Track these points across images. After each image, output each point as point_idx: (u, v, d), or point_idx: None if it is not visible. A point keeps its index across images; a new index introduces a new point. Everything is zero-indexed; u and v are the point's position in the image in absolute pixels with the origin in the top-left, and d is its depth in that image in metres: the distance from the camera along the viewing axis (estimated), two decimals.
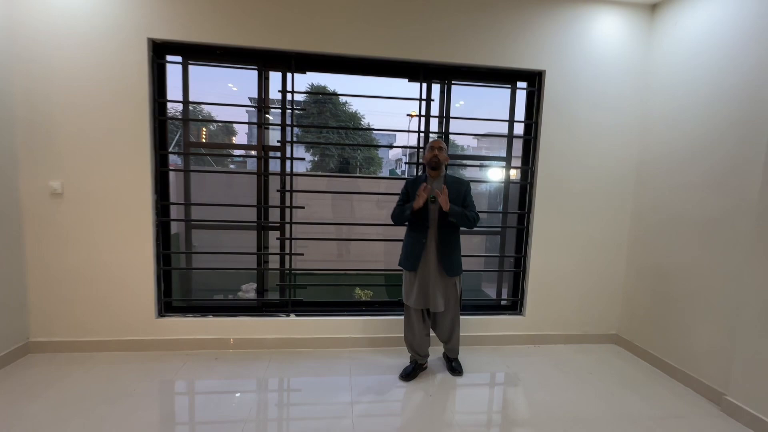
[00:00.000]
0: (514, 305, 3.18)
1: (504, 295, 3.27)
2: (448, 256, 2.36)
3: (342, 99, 11.69)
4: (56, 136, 2.50)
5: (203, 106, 4.51)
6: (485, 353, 2.92)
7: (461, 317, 2.61)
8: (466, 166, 3.36)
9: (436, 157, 2.35)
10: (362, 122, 10.38)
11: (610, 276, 3.12)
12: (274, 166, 2.87)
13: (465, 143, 3.78)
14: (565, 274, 3.07)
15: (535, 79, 2.95)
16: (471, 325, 3.00)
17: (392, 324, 2.92)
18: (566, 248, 3.04)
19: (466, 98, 3.17)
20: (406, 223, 2.45)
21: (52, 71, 2.45)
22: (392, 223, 2.45)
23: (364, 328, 2.91)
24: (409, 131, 2.99)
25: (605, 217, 3.05)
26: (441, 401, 2.29)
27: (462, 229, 2.46)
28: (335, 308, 3.01)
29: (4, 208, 2.41)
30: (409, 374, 2.48)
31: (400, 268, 2.50)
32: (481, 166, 3.57)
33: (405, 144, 3.10)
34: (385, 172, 12.12)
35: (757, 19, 2.18)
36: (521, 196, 3.10)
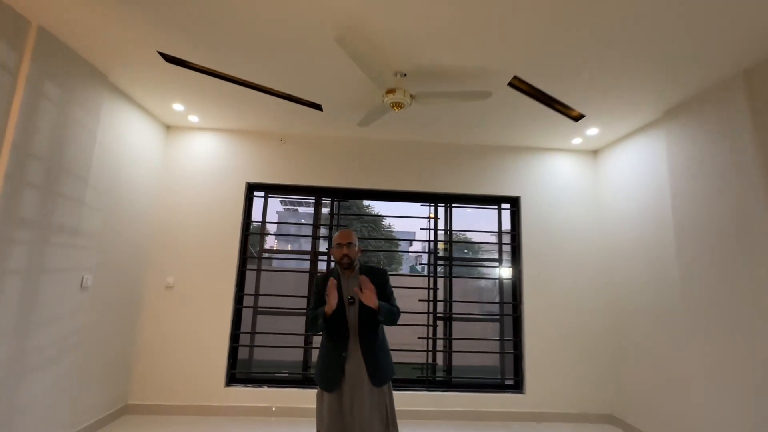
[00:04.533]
0: (517, 384, 3.71)
1: (508, 374, 3.82)
2: (376, 362, 1.97)
3: (374, 210, 13.74)
4: (176, 246, 3.62)
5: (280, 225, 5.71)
6: (494, 429, 3.39)
7: (466, 395, 3.18)
8: (469, 265, 4.24)
9: (346, 256, 2.03)
10: (384, 224, 11.90)
11: (599, 359, 3.67)
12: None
13: (465, 249, 4.68)
14: (558, 355, 3.66)
15: (514, 202, 3.99)
16: (479, 400, 3.54)
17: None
18: (555, 332, 3.69)
19: (465, 215, 4.21)
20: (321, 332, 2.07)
21: (179, 202, 3.69)
22: (308, 330, 2.17)
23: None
24: (423, 240, 3.98)
25: (585, 305, 3.75)
26: None
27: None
28: None
29: (124, 299, 3.38)
30: None
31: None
32: (479, 265, 4.45)
33: (422, 245, 4.04)
34: (405, 269, 13.21)
35: (645, 161, 3.20)
36: (513, 289, 3.89)
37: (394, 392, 3.50)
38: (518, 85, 2.77)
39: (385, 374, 2.01)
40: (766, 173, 2.30)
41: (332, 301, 1.86)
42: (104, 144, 2.90)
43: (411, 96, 2.59)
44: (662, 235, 3.09)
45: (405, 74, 2.61)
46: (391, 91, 2.53)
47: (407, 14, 2.08)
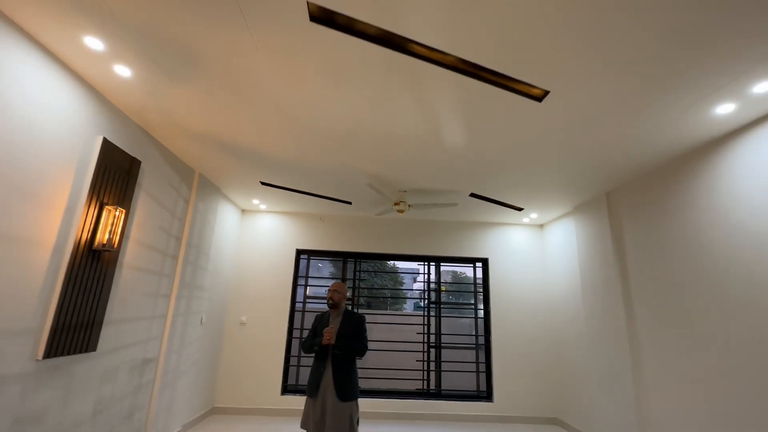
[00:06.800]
0: (488, 395, 5.13)
1: (481, 387, 5.24)
2: (341, 381, 2.67)
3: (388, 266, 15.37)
4: (247, 295, 5.22)
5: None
6: (471, 428, 4.79)
7: (451, 402, 4.62)
8: (454, 308, 5.76)
9: (331, 299, 2.90)
10: (390, 266, 13.54)
11: (544, 374, 5.12)
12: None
13: (450, 296, 6.16)
14: (516, 373, 5.11)
15: (484, 261, 5.59)
16: (460, 407, 4.96)
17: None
18: (514, 355, 5.16)
19: (450, 269, 5.78)
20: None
21: (249, 264, 5.33)
22: (303, 352, 2.92)
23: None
24: (420, 290, 5.54)
25: (534, 335, 5.24)
26: None
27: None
28: (372, 394, 5.08)
29: (216, 332, 4.95)
30: None
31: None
32: (461, 307, 5.98)
33: (422, 288, 5.60)
34: (409, 306, 14.78)
35: (569, 236, 4.82)
36: (485, 324, 5.40)
37: (400, 401, 4.99)
38: (477, 194, 4.47)
39: (349, 392, 2.68)
40: (617, 258, 3.91)
41: (327, 338, 2.70)
42: (216, 230, 4.60)
43: (409, 205, 4.29)
44: (576, 289, 4.66)
45: (405, 191, 4.33)
46: (396, 203, 4.23)
47: (405, 170, 3.81)
